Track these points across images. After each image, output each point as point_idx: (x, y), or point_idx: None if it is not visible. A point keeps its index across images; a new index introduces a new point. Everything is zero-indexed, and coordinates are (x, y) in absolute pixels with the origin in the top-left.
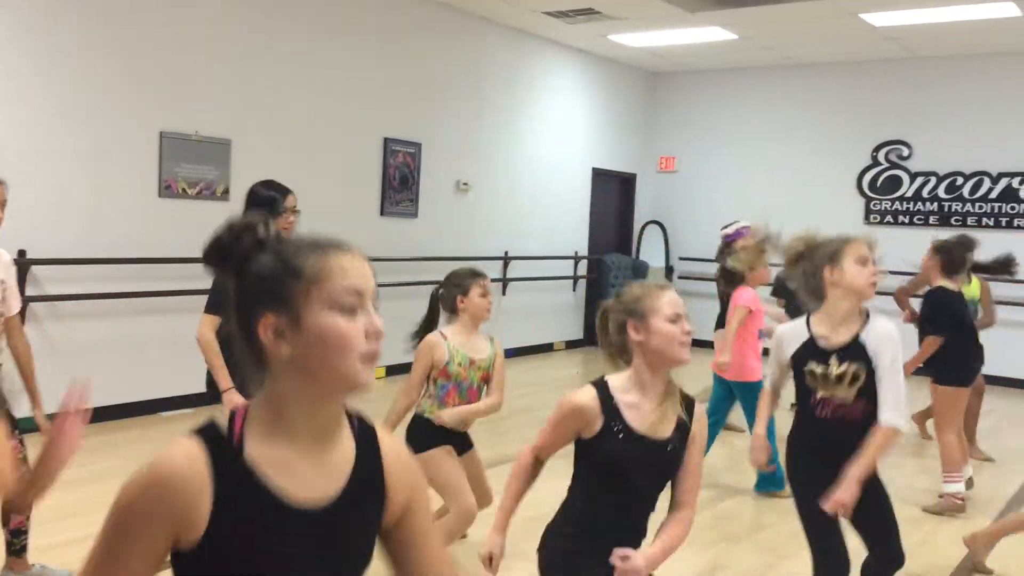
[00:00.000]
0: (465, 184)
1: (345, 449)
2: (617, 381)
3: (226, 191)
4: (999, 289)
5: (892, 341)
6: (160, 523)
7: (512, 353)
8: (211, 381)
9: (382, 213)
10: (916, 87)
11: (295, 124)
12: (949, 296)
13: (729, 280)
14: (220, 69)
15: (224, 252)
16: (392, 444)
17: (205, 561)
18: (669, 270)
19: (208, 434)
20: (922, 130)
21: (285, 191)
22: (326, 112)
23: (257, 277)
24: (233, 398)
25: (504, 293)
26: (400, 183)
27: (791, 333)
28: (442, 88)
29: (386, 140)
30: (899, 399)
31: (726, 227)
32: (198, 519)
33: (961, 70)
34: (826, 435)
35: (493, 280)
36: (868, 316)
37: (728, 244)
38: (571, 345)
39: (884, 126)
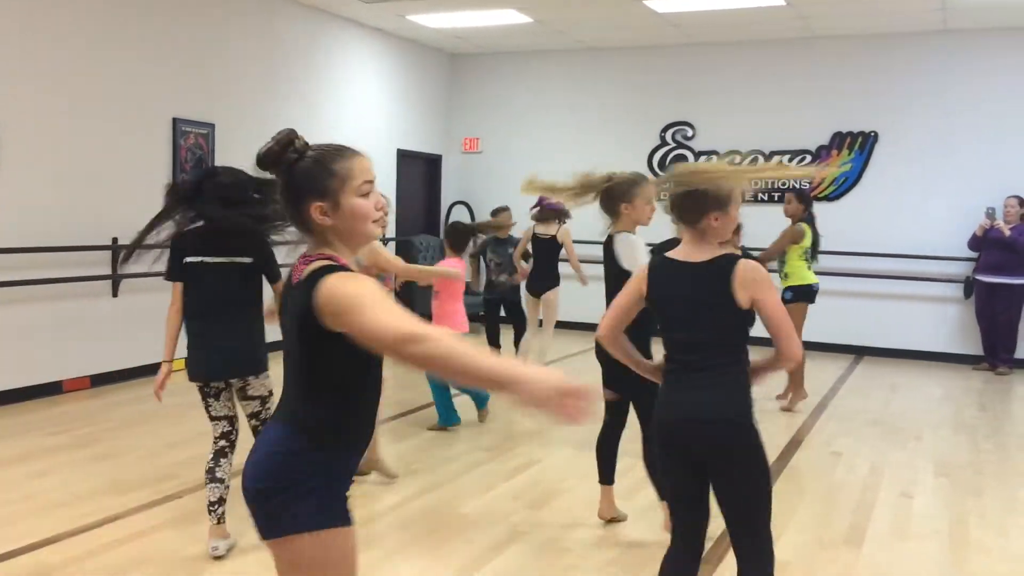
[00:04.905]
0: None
1: None
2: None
3: None
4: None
5: None
6: None
7: None
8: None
9: None
10: (697, 71)
11: (73, 103)
12: None
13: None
14: None
15: (275, 159)
16: None
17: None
18: None
19: (341, 265)
20: (704, 111)
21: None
22: (108, 90)
23: (306, 177)
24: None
25: None
26: (194, 166)
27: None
28: (236, 67)
29: (175, 120)
30: None
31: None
32: None
33: (736, 55)
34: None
35: None
36: None
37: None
38: None
39: (670, 108)
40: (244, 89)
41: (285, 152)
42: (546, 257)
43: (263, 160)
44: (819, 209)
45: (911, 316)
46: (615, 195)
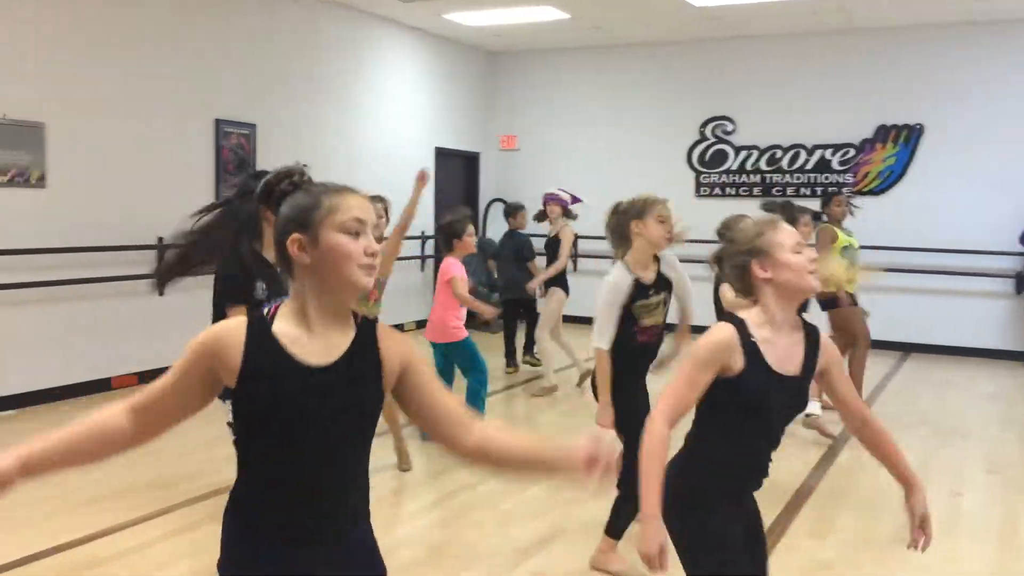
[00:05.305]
0: (305, 166)
1: (347, 335)
2: (751, 318)
3: (41, 178)
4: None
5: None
6: (204, 359)
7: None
8: None
9: (217, 197)
10: (737, 65)
11: (117, 105)
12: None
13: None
14: (30, 45)
15: (270, 192)
16: (388, 328)
17: (245, 398)
18: None
19: (254, 314)
20: (744, 106)
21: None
22: (152, 92)
23: (291, 208)
24: None
25: None
26: (236, 166)
27: (622, 280)
28: (275, 68)
29: (218, 122)
30: None
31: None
32: (233, 366)
33: (777, 48)
34: (644, 352)
35: None
36: (657, 258)
37: (543, 205)
38: (420, 325)
39: (710, 102)
40: (284, 89)
41: (280, 183)
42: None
43: (261, 193)
44: (864, 203)
45: (960, 312)
46: (626, 215)
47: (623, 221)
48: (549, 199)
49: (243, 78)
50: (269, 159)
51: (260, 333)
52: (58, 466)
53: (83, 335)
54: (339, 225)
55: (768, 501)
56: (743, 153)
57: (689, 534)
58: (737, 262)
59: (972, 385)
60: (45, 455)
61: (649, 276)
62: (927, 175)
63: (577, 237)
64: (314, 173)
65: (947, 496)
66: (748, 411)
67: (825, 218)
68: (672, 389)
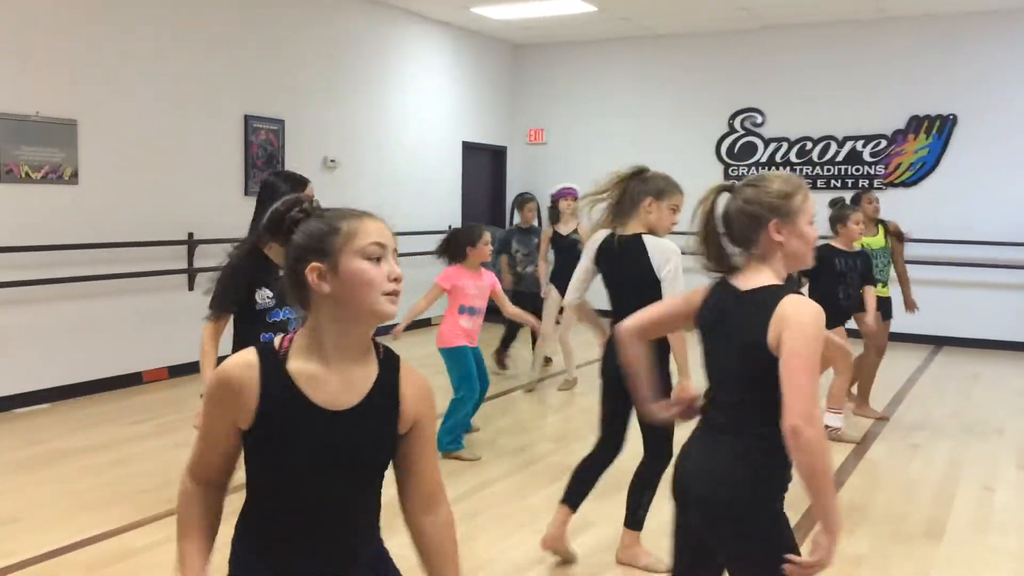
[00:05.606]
0: (333, 161)
1: (368, 372)
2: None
3: (74, 174)
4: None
5: None
6: (223, 407)
7: (391, 329)
8: None
9: (247, 193)
10: (767, 56)
11: (148, 102)
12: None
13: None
14: (62, 44)
15: (279, 221)
16: (410, 369)
17: (259, 442)
18: None
19: (264, 349)
20: (774, 97)
21: (301, 182)
22: (182, 89)
23: (306, 236)
24: None
25: None
26: (265, 162)
27: (678, 251)
28: (303, 63)
29: (247, 118)
30: None
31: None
32: (248, 408)
33: (807, 39)
34: None
35: None
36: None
37: (554, 203)
38: None
39: (739, 94)
40: (312, 85)
41: (290, 211)
42: None
43: (268, 223)
44: (896, 195)
45: (992, 305)
46: (645, 187)
47: (640, 191)
48: (565, 193)
49: (271, 74)
50: (297, 154)
51: (274, 373)
52: (211, 547)
53: (114, 330)
54: (359, 250)
55: (798, 496)
56: (772, 145)
57: (775, 541)
58: (754, 211)
59: (1004, 378)
60: (202, 552)
61: None
62: (960, 166)
63: None
64: (342, 168)
65: (979, 491)
66: None
67: None
68: (801, 386)
